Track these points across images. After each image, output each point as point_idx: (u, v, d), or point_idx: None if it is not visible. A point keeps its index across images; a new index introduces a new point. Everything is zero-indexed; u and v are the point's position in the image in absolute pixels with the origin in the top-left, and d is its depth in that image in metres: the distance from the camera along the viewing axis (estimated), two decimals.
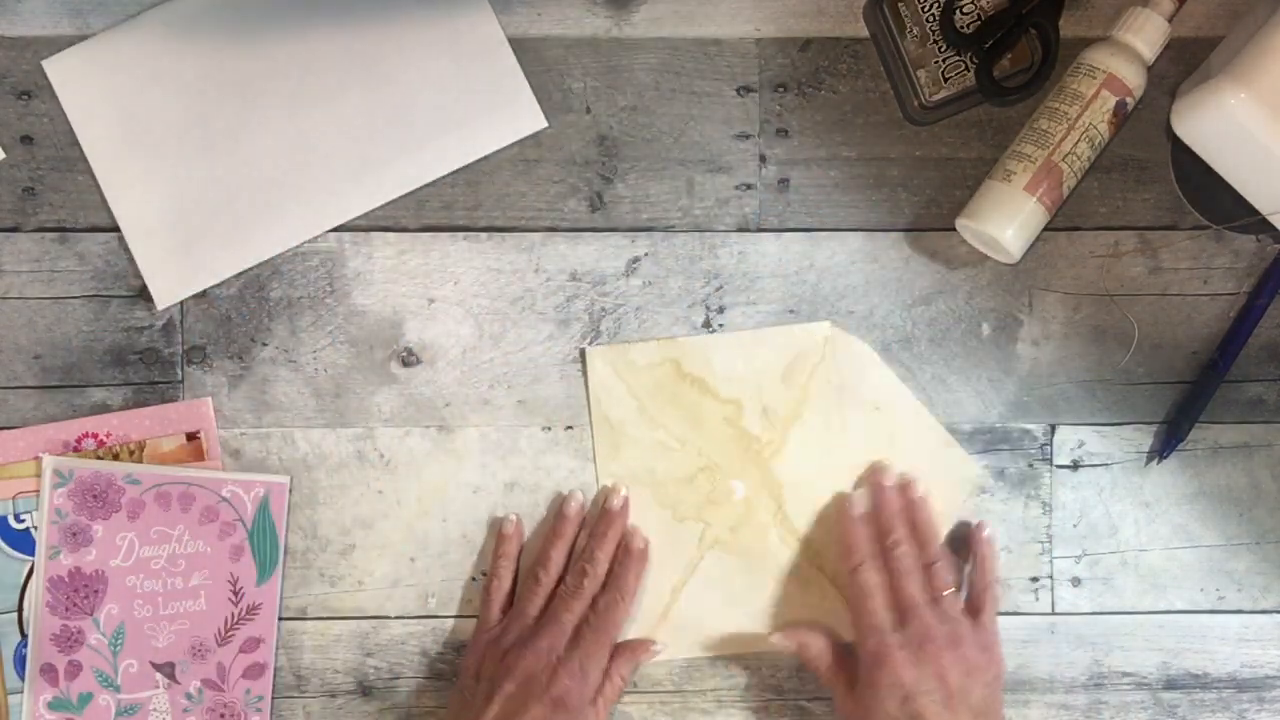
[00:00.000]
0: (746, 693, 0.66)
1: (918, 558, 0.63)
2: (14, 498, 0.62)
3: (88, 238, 0.65)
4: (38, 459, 0.63)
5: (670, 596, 0.66)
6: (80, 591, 0.63)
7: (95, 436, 0.64)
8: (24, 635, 0.62)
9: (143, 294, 0.65)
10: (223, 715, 0.64)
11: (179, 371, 0.65)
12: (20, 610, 0.62)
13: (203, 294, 0.65)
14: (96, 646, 0.63)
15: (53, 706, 0.63)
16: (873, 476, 0.65)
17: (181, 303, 0.65)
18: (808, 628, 0.64)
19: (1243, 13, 0.65)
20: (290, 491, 0.65)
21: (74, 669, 0.63)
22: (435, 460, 0.66)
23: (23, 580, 0.62)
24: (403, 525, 0.65)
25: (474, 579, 0.66)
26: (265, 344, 0.65)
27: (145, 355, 0.65)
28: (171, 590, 0.64)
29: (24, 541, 0.62)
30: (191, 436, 0.64)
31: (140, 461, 0.64)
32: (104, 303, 0.65)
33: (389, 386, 0.66)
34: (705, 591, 0.66)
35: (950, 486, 0.65)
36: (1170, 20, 0.63)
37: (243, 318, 0.65)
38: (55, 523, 0.63)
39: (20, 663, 0.62)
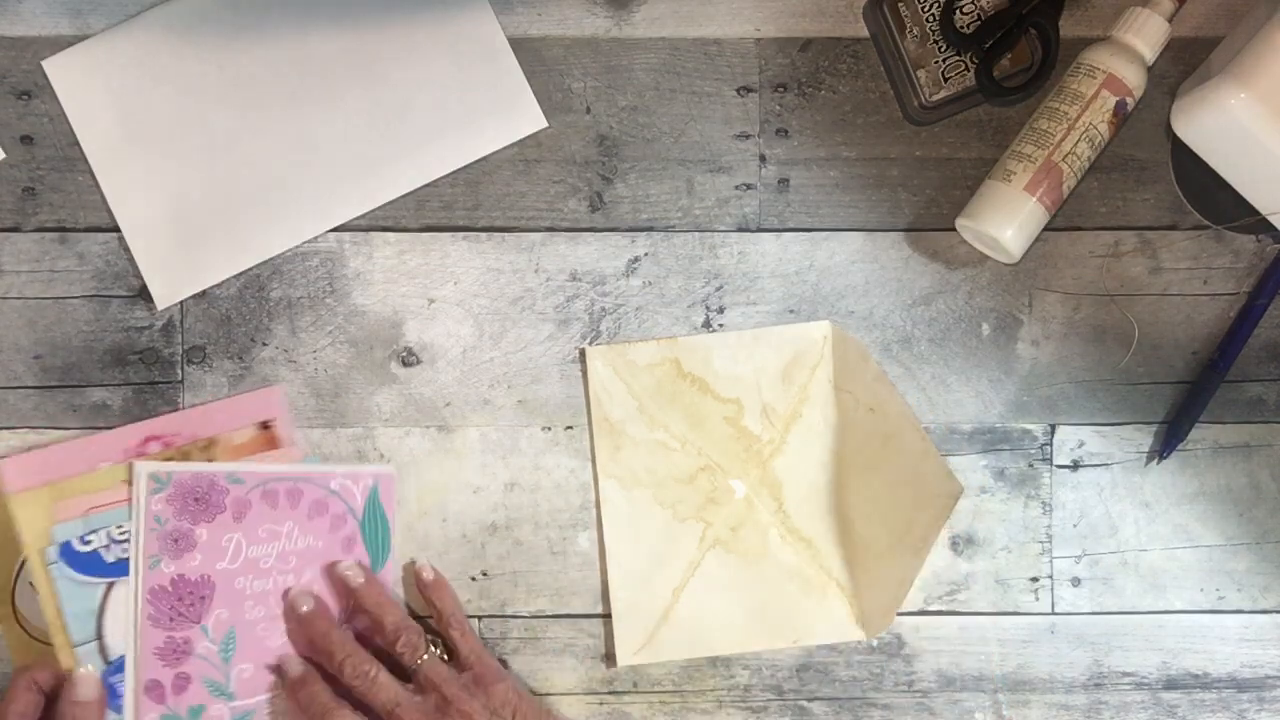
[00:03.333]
0: (746, 693, 0.66)
1: (366, 659, 0.59)
2: (85, 514, 0.58)
3: (88, 238, 0.65)
4: (99, 469, 0.60)
5: (671, 597, 0.66)
6: (185, 600, 0.60)
7: (161, 439, 0.61)
8: (108, 663, 0.58)
9: (143, 294, 0.65)
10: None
11: (179, 371, 0.65)
12: (101, 637, 0.58)
13: (203, 294, 0.65)
14: (206, 655, 0.60)
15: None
16: (288, 611, 0.62)
17: (181, 303, 0.65)
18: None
19: (1243, 13, 0.65)
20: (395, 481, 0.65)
21: (182, 682, 0.60)
22: (435, 460, 0.66)
23: (99, 605, 0.58)
24: (402, 525, 0.65)
25: (474, 579, 0.66)
26: (265, 344, 0.65)
27: (145, 355, 0.65)
28: (284, 588, 0.62)
29: (93, 564, 0.58)
30: (264, 425, 0.63)
31: (213, 458, 0.62)
32: (104, 303, 0.65)
33: (389, 386, 0.66)
34: (706, 591, 0.66)
35: (934, 499, 0.65)
36: (1170, 20, 0.63)
37: (243, 318, 0.65)
38: (154, 530, 0.59)
39: (111, 693, 0.58)
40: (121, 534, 0.58)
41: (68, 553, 0.57)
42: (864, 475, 0.66)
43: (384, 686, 0.58)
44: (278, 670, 0.61)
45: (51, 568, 0.56)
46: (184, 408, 0.64)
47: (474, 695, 0.58)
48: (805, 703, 0.66)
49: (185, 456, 0.62)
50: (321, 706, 0.58)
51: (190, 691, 0.60)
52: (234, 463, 0.62)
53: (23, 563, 0.64)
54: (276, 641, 0.62)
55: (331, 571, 0.62)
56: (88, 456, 0.61)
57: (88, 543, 0.57)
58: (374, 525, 0.64)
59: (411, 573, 0.64)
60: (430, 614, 0.64)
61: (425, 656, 0.60)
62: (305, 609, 0.61)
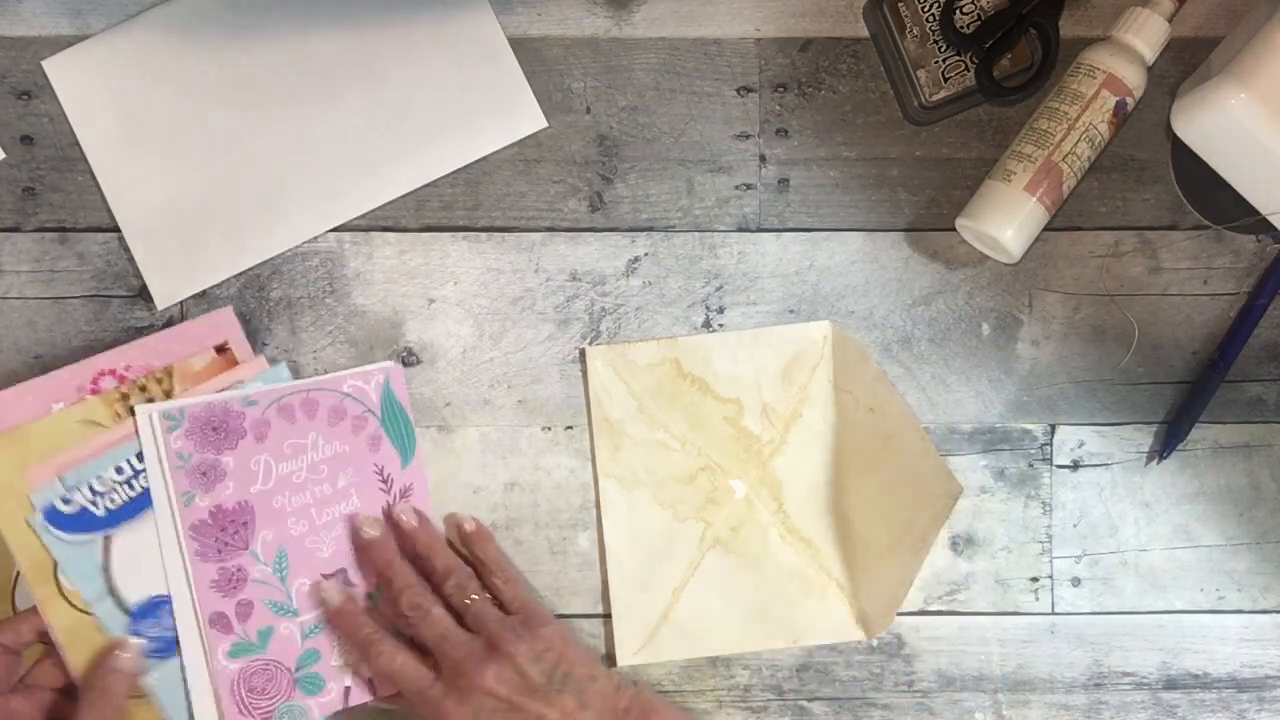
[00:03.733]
0: (746, 693, 0.66)
1: (424, 593, 0.59)
2: (59, 474, 0.55)
3: (88, 238, 0.65)
4: (53, 411, 0.58)
5: (671, 597, 0.66)
6: (229, 529, 0.59)
7: (113, 373, 0.59)
8: (129, 614, 0.57)
9: (143, 294, 0.65)
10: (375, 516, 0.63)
11: None
12: (113, 592, 0.57)
13: (203, 294, 0.65)
14: (262, 578, 0.60)
15: (234, 654, 0.59)
16: (353, 534, 0.62)
17: (181, 303, 0.65)
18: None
19: (1243, 13, 0.65)
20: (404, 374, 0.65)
21: (245, 608, 0.60)
22: (435, 460, 0.66)
23: (100, 560, 0.57)
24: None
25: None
26: (265, 344, 0.65)
27: None
28: (322, 498, 0.61)
29: (83, 521, 0.56)
30: (220, 349, 0.62)
31: (171, 389, 0.60)
32: (104, 303, 0.65)
33: None
34: (706, 591, 0.66)
35: (934, 500, 0.65)
36: (1170, 20, 0.63)
37: (243, 318, 0.65)
38: (180, 468, 0.59)
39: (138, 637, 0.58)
40: (102, 485, 0.57)
41: (53, 516, 0.56)
42: (864, 475, 0.66)
43: (436, 620, 0.58)
44: (317, 597, 0.61)
45: (42, 537, 0.55)
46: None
47: (520, 638, 0.58)
48: (805, 703, 0.66)
49: (142, 389, 0.60)
50: (365, 637, 0.58)
51: (255, 616, 0.60)
52: (243, 387, 0.61)
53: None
54: (326, 552, 0.62)
55: (388, 514, 0.63)
56: (42, 398, 0.58)
57: (69, 502, 0.56)
58: (394, 419, 0.64)
59: (451, 524, 0.64)
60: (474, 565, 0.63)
61: (474, 597, 0.59)
62: (370, 534, 0.61)
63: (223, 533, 0.60)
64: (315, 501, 0.62)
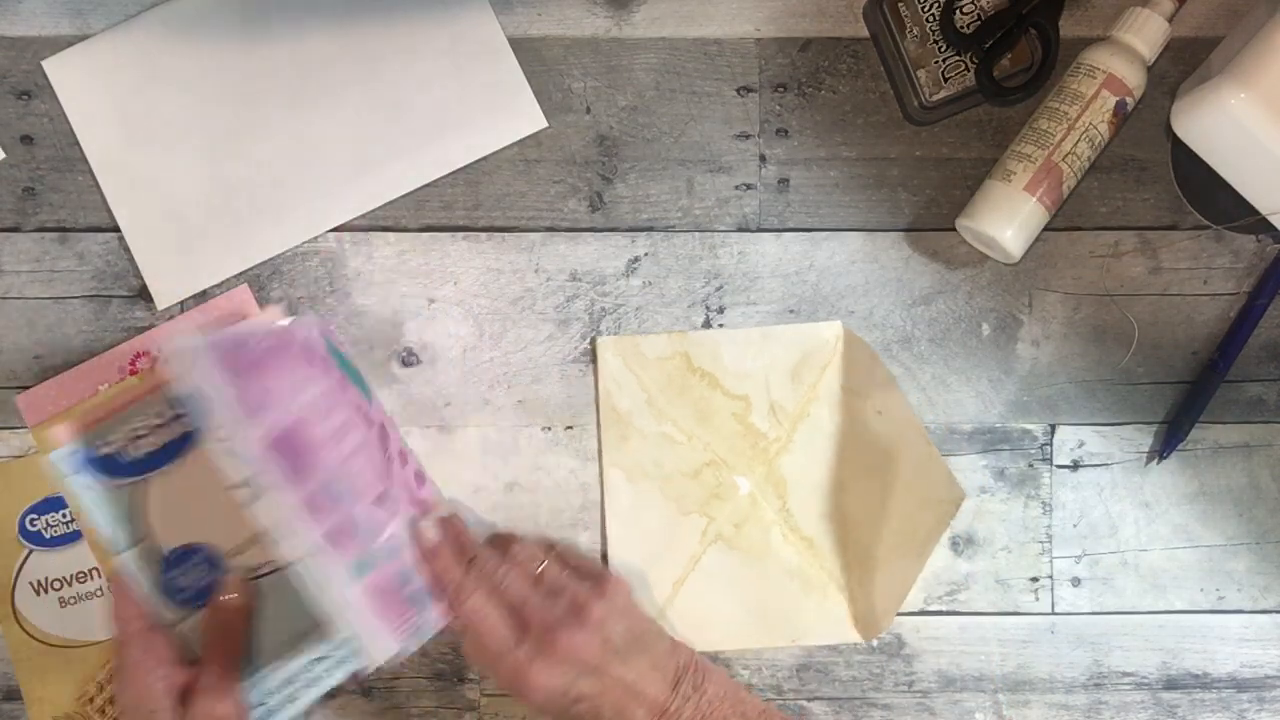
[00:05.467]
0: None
1: (498, 560, 0.58)
2: (96, 424, 0.54)
3: (88, 238, 0.65)
4: (100, 391, 0.63)
5: (671, 590, 0.66)
6: (297, 456, 0.55)
7: (147, 355, 0.64)
8: (163, 558, 0.54)
9: (143, 294, 0.65)
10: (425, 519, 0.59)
11: None
12: (148, 538, 0.54)
13: (203, 294, 0.65)
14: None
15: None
16: (417, 540, 0.59)
17: (181, 303, 0.65)
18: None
19: (1243, 13, 0.65)
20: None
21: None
22: (435, 460, 0.66)
23: (138, 505, 0.55)
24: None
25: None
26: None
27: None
28: (335, 433, 0.56)
29: (117, 466, 0.54)
30: None
31: None
32: (104, 303, 0.65)
33: (389, 386, 0.66)
34: (706, 586, 0.66)
35: (936, 505, 0.64)
36: (1170, 20, 0.63)
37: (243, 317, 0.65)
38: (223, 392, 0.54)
39: (171, 590, 0.54)
40: (145, 427, 0.54)
41: (88, 461, 0.53)
42: (868, 477, 0.66)
43: (515, 586, 0.57)
44: (414, 533, 0.58)
45: (70, 480, 0.52)
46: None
47: (598, 600, 0.56)
48: (805, 703, 0.66)
49: None
50: (455, 585, 0.57)
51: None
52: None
53: (23, 562, 0.64)
54: (365, 480, 0.57)
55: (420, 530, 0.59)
56: (90, 380, 0.64)
57: (110, 444, 0.54)
58: (344, 363, 0.60)
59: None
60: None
61: (545, 563, 0.58)
62: (431, 540, 0.58)
63: (296, 459, 0.55)
64: (333, 436, 0.56)
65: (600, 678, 0.55)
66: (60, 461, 0.52)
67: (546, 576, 0.58)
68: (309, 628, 0.55)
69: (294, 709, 0.55)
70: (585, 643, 0.55)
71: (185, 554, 0.55)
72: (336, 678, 0.55)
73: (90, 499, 0.53)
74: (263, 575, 0.55)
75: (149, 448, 0.54)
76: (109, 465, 0.54)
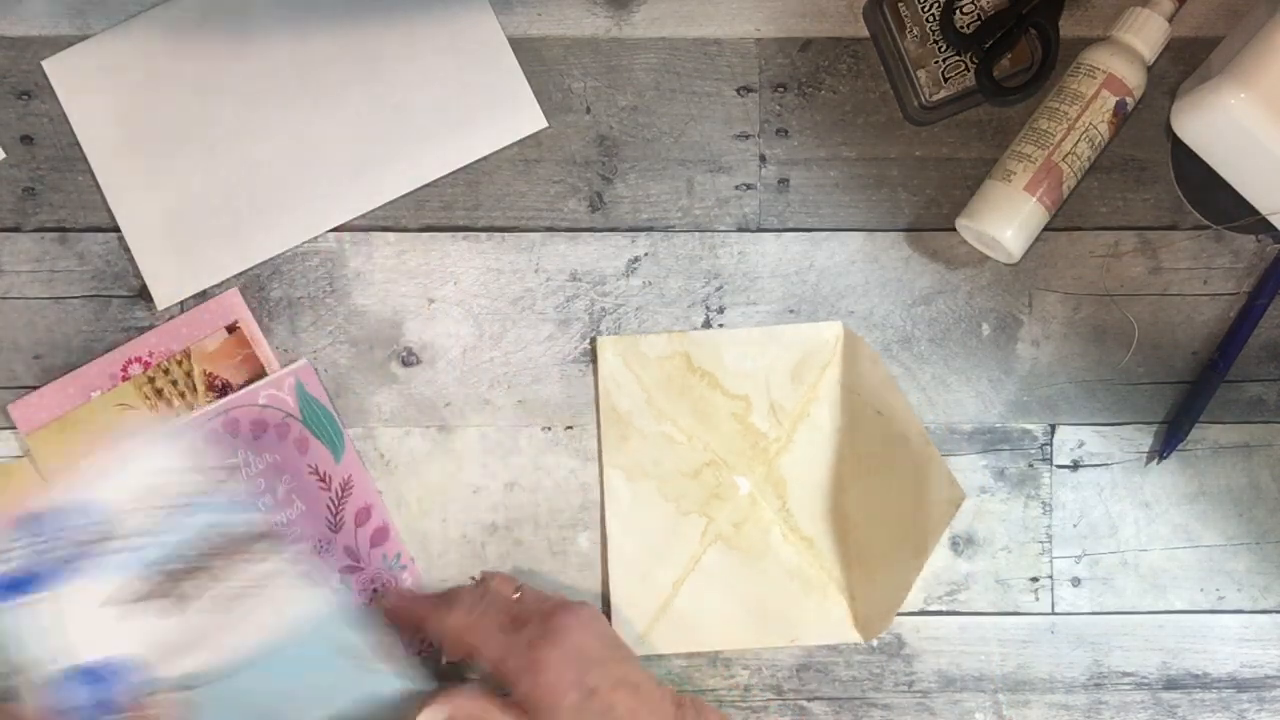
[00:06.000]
0: (746, 693, 0.66)
1: (474, 587, 0.59)
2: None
3: (88, 238, 0.65)
4: (92, 398, 0.63)
5: (671, 590, 0.66)
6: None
7: (139, 360, 0.64)
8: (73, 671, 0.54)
9: (143, 294, 0.65)
10: (376, 589, 0.63)
11: None
12: (39, 656, 0.54)
13: (203, 294, 0.65)
14: None
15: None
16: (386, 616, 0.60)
17: (181, 303, 0.65)
18: (454, 688, 0.56)
19: (1243, 13, 0.65)
20: (316, 370, 0.65)
21: None
22: (435, 460, 0.66)
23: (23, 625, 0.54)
24: (402, 526, 0.65)
25: (473, 579, 0.65)
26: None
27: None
28: (269, 509, 0.62)
29: (21, 583, 0.54)
30: (231, 329, 0.64)
31: (191, 370, 0.64)
32: (104, 303, 0.65)
33: (389, 386, 0.66)
34: (705, 586, 0.66)
35: (936, 505, 0.64)
36: (1170, 20, 0.63)
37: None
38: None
39: (68, 709, 0.54)
40: (41, 544, 0.53)
41: None
42: (868, 478, 0.66)
43: (498, 593, 0.57)
44: (378, 607, 0.60)
45: None
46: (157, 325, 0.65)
47: (582, 605, 0.56)
48: (805, 703, 0.66)
49: (165, 372, 0.64)
50: (436, 612, 0.57)
51: None
52: (169, 422, 0.63)
53: None
54: None
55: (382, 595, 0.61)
56: (82, 388, 0.64)
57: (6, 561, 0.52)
58: (316, 418, 0.64)
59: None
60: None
61: (522, 586, 0.58)
62: (389, 602, 0.60)
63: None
64: (262, 517, 0.61)
65: (606, 670, 0.54)
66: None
67: (525, 595, 0.58)
68: None
69: None
70: (582, 632, 0.54)
71: (94, 671, 0.53)
72: None
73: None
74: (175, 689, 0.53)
75: (43, 564, 0.53)
76: (11, 583, 0.52)
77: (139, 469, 0.54)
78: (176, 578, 0.53)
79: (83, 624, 0.52)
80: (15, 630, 0.51)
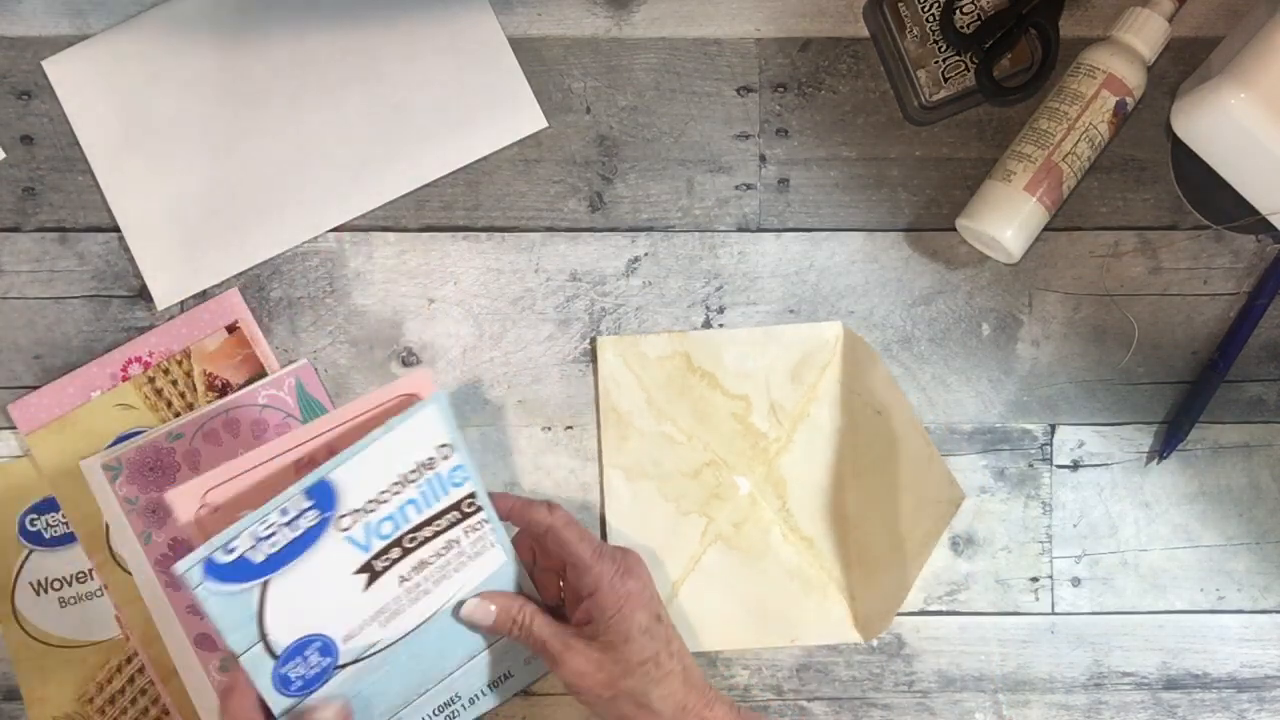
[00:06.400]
0: (746, 693, 0.66)
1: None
2: (231, 520, 0.54)
3: (88, 238, 0.65)
4: (93, 398, 0.64)
5: (671, 590, 0.66)
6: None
7: (139, 360, 0.64)
8: (276, 657, 0.55)
9: (143, 294, 0.65)
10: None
11: None
12: (264, 637, 0.54)
13: (203, 294, 0.65)
14: None
15: (223, 667, 0.63)
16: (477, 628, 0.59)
17: (181, 303, 0.65)
18: (501, 592, 0.58)
19: (1243, 13, 0.65)
20: (316, 370, 0.65)
21: None
22: None
23: (256, 608, 0.55)
24: None
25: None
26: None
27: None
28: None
29: (241, 570, 0.54)
30: (231, 329, 0.64)
31: (191, 370, 0.64)
32: (104, 303, 0.65)
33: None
34: (705, 586, 0.66)
35: (936, 505, 0.64)
36: (1170, 20, 0.63)
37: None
38: (131, 511, 0.62)
39: (284, 683, 0.55)
40: (267, 529, 0.54)
41: (213, 569, 0.53)
42: (868, 477, 0.66)
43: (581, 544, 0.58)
44: (469, 622, 0.58)
45: (199, 589, 0.52)
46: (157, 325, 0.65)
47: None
48: (805, 703, 0.66)
49: (165, 372, 0.64)
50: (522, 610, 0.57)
51: None
52: (170, 421, 0.64)
53: (23, 562, 0.64)
54: None
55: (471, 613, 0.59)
56: (83, 387, 0.64)
57: (231, 550, 0.53)
58: (314, 416, 0.64)
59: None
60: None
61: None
62: (486, 623, 0.58)
63: None
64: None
65: (665, 610, 0.57)
66: (187, 574, 0.52)
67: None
68: (418, 693, 0.58)
69: None
70: (649, 575, 0.57)
71: (299, 646, 0.55)
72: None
73: (214, 606, 0.53)
74: (372, 654, 0.56)
75: (271, 549, 0.54)
76: (233, 571, 0.53)
77: (376, 450, 0.54)
78: (385, 555, 0.55)
79: (298, 605, 0.54)
80: (229, 615, 0.53)
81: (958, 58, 0.64)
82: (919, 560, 0.64)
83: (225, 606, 0.53)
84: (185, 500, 0.51)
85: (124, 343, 0.64)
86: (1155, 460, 0.67)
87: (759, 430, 0.66)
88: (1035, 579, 0.66)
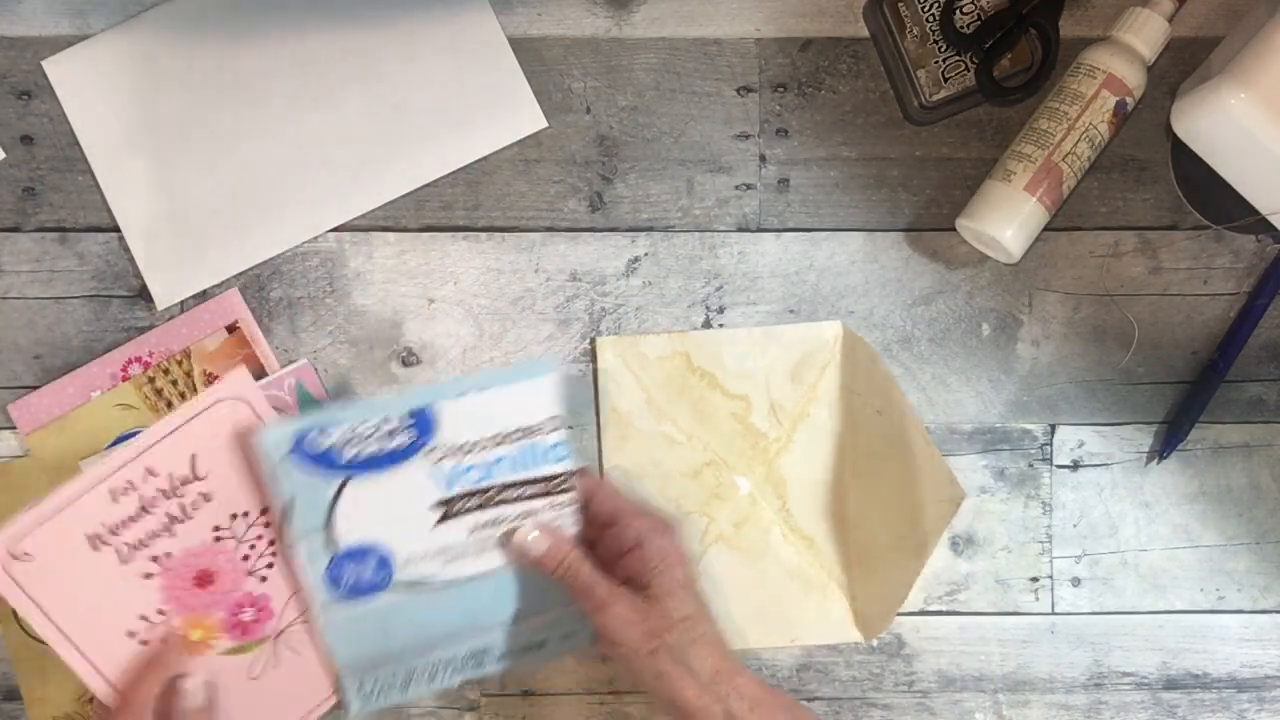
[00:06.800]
0: None
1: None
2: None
3: (88, 238, 0.65)
4: (92, 398, 0.64)
5: None
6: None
7: (139, 360, 0.64)
8: (334, 553, 0.56)
9: (143, 294, 0.65)
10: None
11: None
12: (329, 527, 0.56)
13: (203, 294, 0.65)
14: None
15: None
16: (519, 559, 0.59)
17: (181, 303, 0.65)
18: (555, 531, 0.57)
19: (1243, 13, 0.65)
20: (316, 370, 0.65)
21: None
22: None
23: (330, 499, 0.56)
24: None
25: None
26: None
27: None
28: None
29: (327, 460, 0.55)
30: (231, 329, 0.65)
31: (190, 370, 0.64)
32: (104, 303, 0.65)
33: (389, 386, 0.66)
34: (706, 586, 0.65)
35: (937, 505, 0.64)
36: (1170, 20, 0.63)
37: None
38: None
39: (334, 580, 0.57)
40: (366, 430, 0.55)
41: (301, 449, 0.55)
42: (868, 477, 0.66)
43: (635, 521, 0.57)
44: (518, 550, 0.58)
45: (281, 461, 0.54)
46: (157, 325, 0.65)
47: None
48: (805, 702, 0.66)
49: (165, 372, 0.64)
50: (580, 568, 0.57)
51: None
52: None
53: None
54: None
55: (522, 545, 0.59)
56: (83, 387, 0.64)
57: (327, 435, 0.55)
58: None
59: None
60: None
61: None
62: (538, 550, 0.57)
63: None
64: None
65: (699, 588, 0.57)
66: (275, 442, 0.53)
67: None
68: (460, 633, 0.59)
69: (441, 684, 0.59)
70: (680, 536, 0.57)
71: (359, 552, 0.57)
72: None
73: (290, 484, 0.55)
74: (424, 588, 0.57)
75: (364, 451, 0.56)
76: (320, 458, 0.55)
77: (486, 399, 0.56)
78: (462, 499, 0.57)
79: (370, 514, 0.56)
80: (311, 499, 0.55)
81: (958, 58, 0.64)
82: (920, 560, 0.64)
83: (301, 486, 0.55)
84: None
85: (124, 343, 0.65)
86: (1155, 460, 0.67)
87: (759, 430, 0.66)
88: (1035, 579, 0.66)
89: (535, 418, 0.57)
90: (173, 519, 0.55)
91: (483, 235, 0.66)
